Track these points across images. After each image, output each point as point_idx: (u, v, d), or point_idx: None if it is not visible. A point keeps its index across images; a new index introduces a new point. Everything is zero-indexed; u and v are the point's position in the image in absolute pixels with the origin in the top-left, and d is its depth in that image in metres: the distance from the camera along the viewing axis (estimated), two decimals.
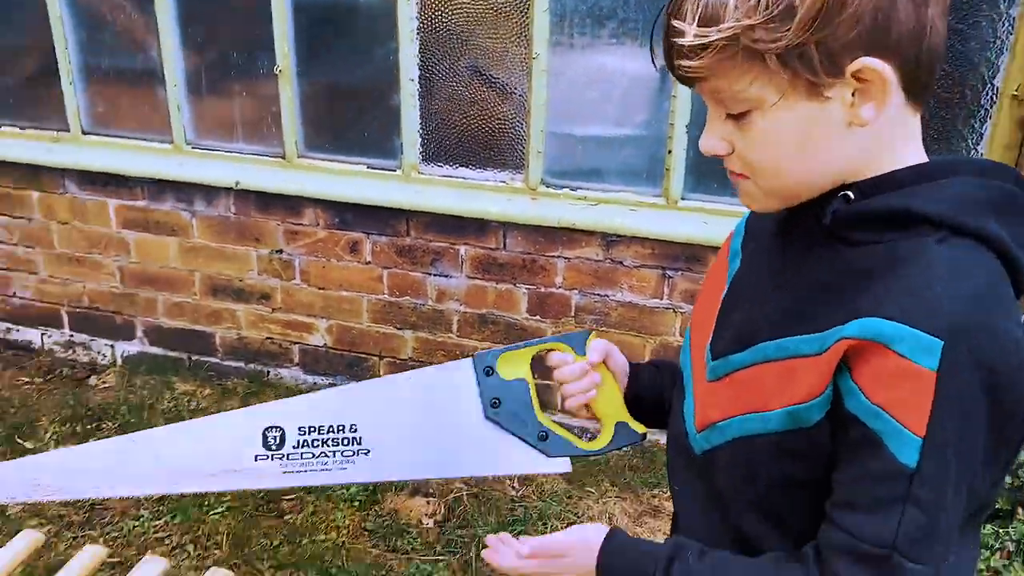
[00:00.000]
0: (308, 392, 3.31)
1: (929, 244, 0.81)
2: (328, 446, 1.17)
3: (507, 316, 3.08)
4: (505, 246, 2.98)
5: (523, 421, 1.15)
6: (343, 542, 2.68)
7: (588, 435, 1.22)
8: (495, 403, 1.15)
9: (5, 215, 3.50)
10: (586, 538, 1.02)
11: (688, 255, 2.82)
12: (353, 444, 1.17)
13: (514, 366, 1.15)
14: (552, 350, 1.15)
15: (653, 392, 1.21)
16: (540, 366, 1.17)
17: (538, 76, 2.80)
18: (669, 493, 1.36)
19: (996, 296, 0.80)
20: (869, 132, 0.84)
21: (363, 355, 3.32)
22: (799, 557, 0.88)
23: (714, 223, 2.78)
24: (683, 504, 1.09)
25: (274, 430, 1.17)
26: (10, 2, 3.28)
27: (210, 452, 1.17)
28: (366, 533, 2.72)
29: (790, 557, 0.90)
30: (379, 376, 3.32)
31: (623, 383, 1.19)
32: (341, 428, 1.17)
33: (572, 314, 3.00)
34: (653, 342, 2.98)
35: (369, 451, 1.17)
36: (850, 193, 0.86)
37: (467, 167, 3.02)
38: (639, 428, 1.18)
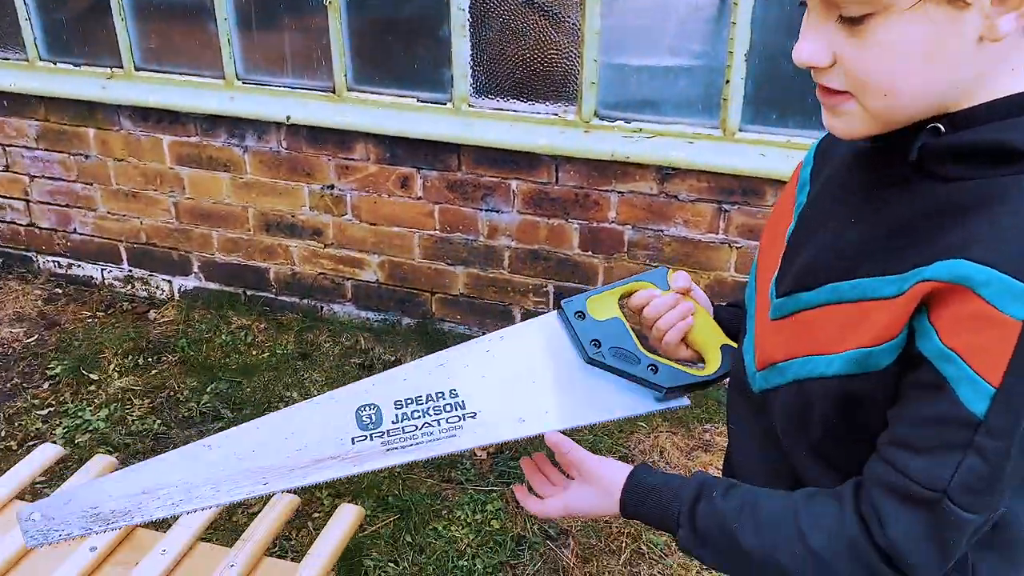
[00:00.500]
0: (361, 326, 3.37)
1: (1021, 181, 0.77)
2: (431, 415, 1.10)
3: (559, 252, 3.06)
4: (557, 180, 2.94)
5: (630, 357, 1.09)
6: (399, 472, 2.73)
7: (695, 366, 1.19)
8: (596, 344, 1.09)
9: (63, 152, 3.55)
10: (607, 474, 1.00)
11: (745, 188, 2.76)
12: (457, 409, 1.10)
13: (604, 307, 1.10)
14: (635, 290, 1.11)
15: (736, 325, 1.15)
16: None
17: (591, 3, 2.72)
18: (724, 429, 1.33)
19: None
20: (992, 52, 0.76)
21: (415, 291, 3.33)
22: (835, 492, 0.86)
23: (772, 155, 2.70)
24: (739, 442, 1.07)
25: (368, 408, 1.10)
26: None
27: (301, 445, 1.08)
28: (420, 464, 2.77)
29: (825, 492, 0.88)
30: (431, 312, 3.34)
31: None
32: (440, 395, 1.10)
33: (625, 249, 2.97)
34: (708, 278, 2.94)
35: (476, 413, 1.10)
36: (940, 125, 0.80)
37: (519, 99, 2.97)
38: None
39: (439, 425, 1.09)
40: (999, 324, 0.72)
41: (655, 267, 1.09)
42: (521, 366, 1.12)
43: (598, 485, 1.01)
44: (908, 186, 0.84)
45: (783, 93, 2.69)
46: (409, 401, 1.10)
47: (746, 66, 2.66)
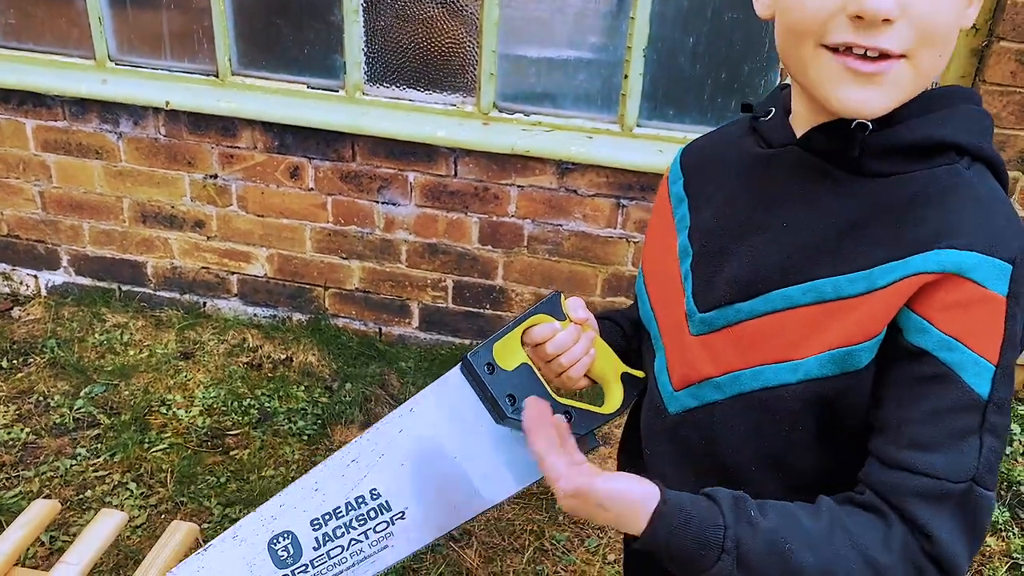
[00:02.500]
0: (248, 323, 3.22)
1: (962, 171, 0.81)
2: (356, 529, 0.95)
3: (458, 246, 3.00)
4: (456, 173, 2.88)
5: None
6: (293, 477, 2.62)
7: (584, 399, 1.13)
8: (512, 399, 0.98)
9: None
10: (631, 497, 0.78)
11: (643, 184, 2.77)
12: (383, 513, 0.96)
13: (511, 353, 1.00)
14: (533, 325, 1.01)
15: (621, 342, 1.12)
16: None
17: None
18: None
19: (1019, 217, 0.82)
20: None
21: (307, 285, 3.21)
22: (867, 506, 0.79)
23: (669, 151, 2.73)
24: (658, 466, 1.02)
25: (281, 539, 0.95)
26: None
27: None
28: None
29: (853, 506, 0.80)
30: (324, 308, 3.22)
31: None
32: (361, 501, 0.96)
33: (525, 244, 2.94)
34: (605, 272, 2.95)
35: (404, 512, 0.98)
36: (868, 123, 0.81)
37: (415, 89, 2.88)
38: (639, 373, 1.09)
39: (367, 539, 0.96)
40: (989, 301, 0.75)
41: (551, 294, 1.02)
42: (437, 441, 1.00)
43: (615, 503, 0.79)
44: (842, 185, 0.84)
45: (681, 89, 2.71)
46: (328, 517, 0.96)
47: (644, 61, 2.66)
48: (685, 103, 2.73)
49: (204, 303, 3.32)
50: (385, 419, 1.01)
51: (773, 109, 0.94)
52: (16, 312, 3.33)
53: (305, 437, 2.76)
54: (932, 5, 0.75)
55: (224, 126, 2.97)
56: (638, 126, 2.76)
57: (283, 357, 3.11)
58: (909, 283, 0.77)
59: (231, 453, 2.69)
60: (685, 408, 0.94)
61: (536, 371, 1.01)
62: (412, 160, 2.89)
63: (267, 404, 2.88)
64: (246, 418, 2.83)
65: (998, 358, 0.76)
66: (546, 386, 1.01)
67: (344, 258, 3.12)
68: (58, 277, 3.38)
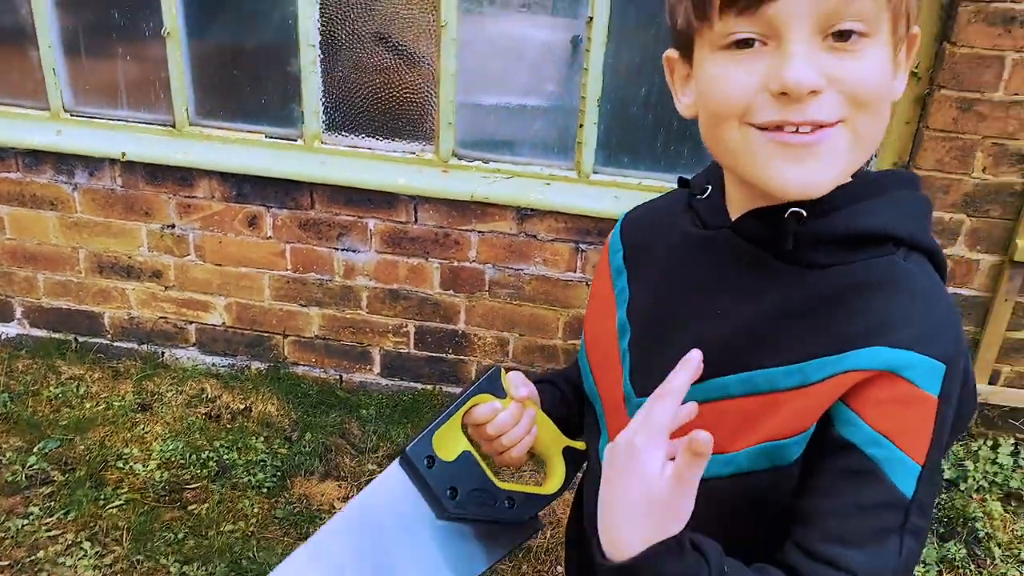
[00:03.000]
0: (207, 373, 3.18)
1: (899, 263, 0.80)
2: None
3: (419, 291, 3.00)
4: (416, 220, 2.89)
5: (487, 496, 0.99)
6: (252, 531, 2.58)
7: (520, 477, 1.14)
8: (453, 493, 0.96)
9: None
10: (668, 510, 0.74)
11: (601, 228, 2.81)
12: None
13: (450, 442, 0.97)
14: (473, 406, 0.98)
15: (562, 409, 1.09)
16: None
17: (447, 45, 2.70)
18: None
19: (957, 312, 0.81)
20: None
21: (265, 333, 3.18)
22: None
23: (625, 197, 2.76)
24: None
25: None
26: None
27: None
28: (276, 521, 2.63)
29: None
30: (283, 356, 3.20)
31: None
32: None
33: (486, 288, 2.96)
34: (566, 315, 2.96)
35: None
36: (802, 211, 0.79)
37: (374, 137, 2.90)
38: (580, 445, 1.07)
39: None
40: (921, 402, 0.74)
41: (489, 369, 0.99)
42: (380, 548, 0.96)
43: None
44: (776, 274, 0.82)
45: (634, 137, 2.76)
46: None
47: (599, 111, 2.71)
48: (639, 151, 2.78)
49: (162, 353, 3.28)
50: (320, 532, 0.97)
51: (710, 187, 0.92)
52: None
53: (264, 490, 2.72)
54: (859, 70, 0.73)
55: (181, 176, 2.96)
56: (594, 173, 2.80)
57: (242, 407, 3.08)
58: (843, 379, 0.75)
59: (189, 508, 2.65)
60: None
61: (478, 458, 0.99)
62: (372, 207, 2.90)
63: (226, 456, 2.84)
64: (204, 471, 2.78)
65: (924, 459, 0.74)
66: (488, 473, 0.99)
67: (303, 305, 3.10)
68: (11, 329, 3.32)
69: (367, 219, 2.92)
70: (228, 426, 3.00)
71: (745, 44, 0.74)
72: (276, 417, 3.05)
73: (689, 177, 0.97)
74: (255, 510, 2.66)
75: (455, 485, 0.96)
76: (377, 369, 3.16)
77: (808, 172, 0.75)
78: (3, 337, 3.33)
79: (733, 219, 0.86)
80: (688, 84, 0.84)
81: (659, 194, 1.07)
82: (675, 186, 1.01)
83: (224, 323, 3.19)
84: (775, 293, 0.82)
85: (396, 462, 0.96)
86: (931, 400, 0.74)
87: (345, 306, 3.07)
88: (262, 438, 2.94)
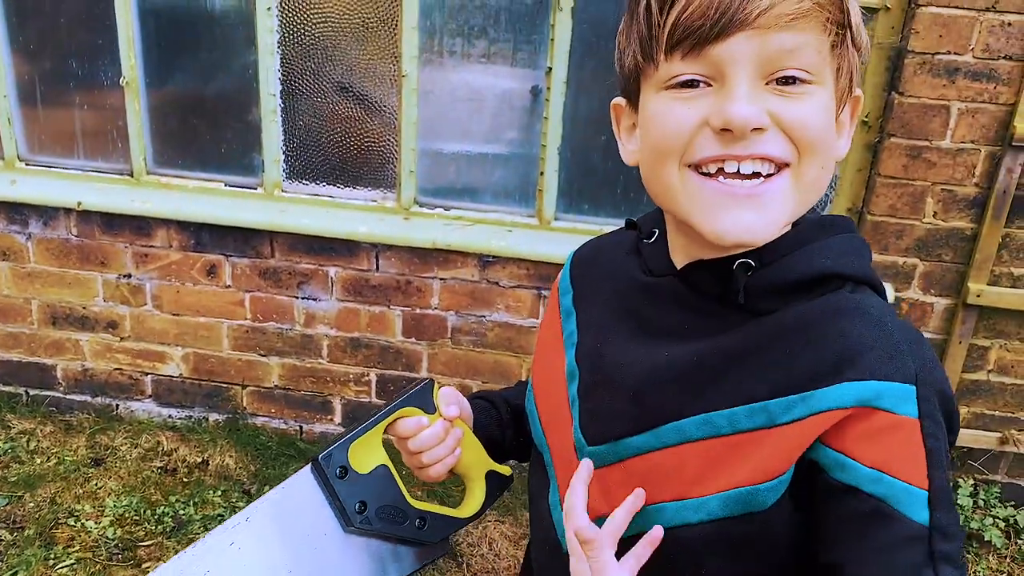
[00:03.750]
0: (163, 425, 3.11)
1: (846, 296, 0.79)
2: None
3: (381, 339, 2.98)
4: (378, 267, 2.88)
5: (398, 514, 0.96)
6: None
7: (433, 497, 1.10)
8: (362, 507, 0.93)
9: None
10: None
11: None
12: None
13: (368, 453, 0.94)
14: (399, 418, 0.96)
15: (496, 431, 1.08)
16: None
17: (408, 95, 2.72)
18: None
19: (916, 331, 0.80)
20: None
21: (224, 384, 3.13)
22: None
23: None
24: None
25: None
26: None
27: None
28: None
29: None
30: (242, 407, 3.14)
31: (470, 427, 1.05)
32: None
33: (449, 335, 2.94)
34: (529, 361, 2.96)
35: None
36: (751, 261, 0.79)
37: (335, 186, 2.90)
38: (505, 471, 1.05)
39: None
40: (902, 427, 0.72)
41: (422, 381, 0.97)
42: (274, 556, 0.92)
43: None
44: (725, 321, 0.81)
45: (595, 184, 2.79)
46: None
47: (559, 159, 2.74)
48: (599, 197, 2.81)
49: (117, 405, 3.20)
50: (216, 530, 0.93)
51: (657, 231, 0.91)
52: None
53: None
54: (802, 113, 0.74)
55: (139, 225, 2.92)
56: (556, 219, 2.82)
57: (199, 460, 3.01)
58: (816, 421, 0.74)
59: (143, 566, 2.57)
60: None
61: (394, 473, 0.97)
62: (333, 255, 2.88)
63: (182, 511, 2.77)
64: (160, 527, 2.71)
65: (927, 482, 0.72)
66: (402, 489, 0.97)
67: (263, 355, 3.06)
68: None
69: (328, 267, 2.90)
70: (185, 480, 2.93)
71: (690, 84, 0.75)
72: (234, 470, 2.98)
73: (636, 219, 0.96)
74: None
75: (365, 499, 0.94)
76: (338, 419, 3.11)
77: (749, 220, 0.75)
78: None
79: (678, 266, 0.86)
80: (633, 133, 0.85)
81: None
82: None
83: (181, 374, 3.13)
84: (726, 338, 0.81)
85: (307, 467, 0.93)
86: (911, 422, 0.72)
87: (306, 355, 3.04)
88: (220, 492, 2.87)
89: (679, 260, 0.86)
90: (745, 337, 0.80)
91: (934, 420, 0.74)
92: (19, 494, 2.80)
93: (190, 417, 3.18)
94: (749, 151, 0.73)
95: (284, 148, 2.86)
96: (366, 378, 3.04)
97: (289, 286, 2.95)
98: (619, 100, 0.87)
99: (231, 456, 3.03)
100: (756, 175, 0.74)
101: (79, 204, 2.88)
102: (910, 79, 2.49)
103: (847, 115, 0.82)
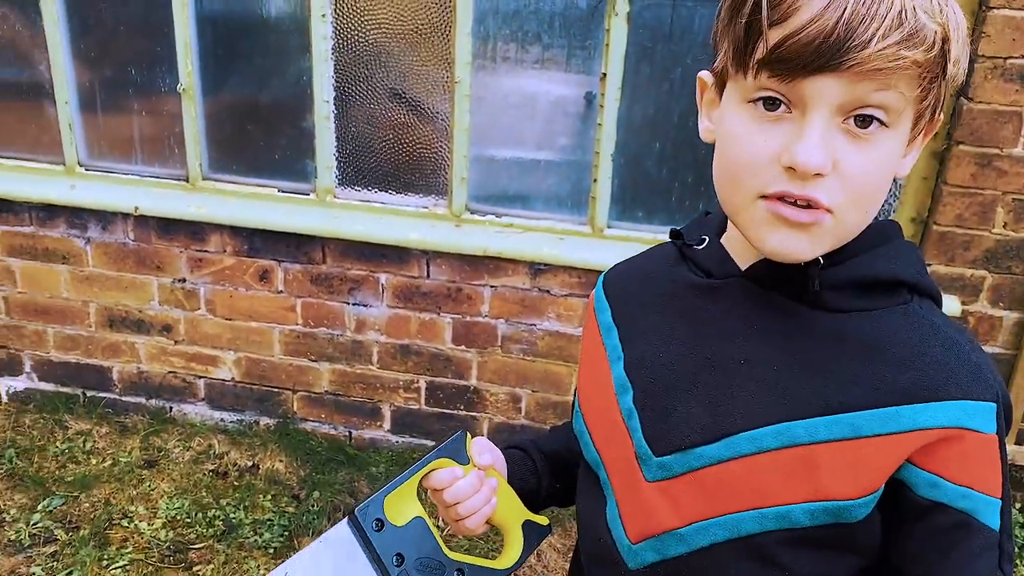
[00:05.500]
0: (215, 428, 3.14)
1: (916, 311, 0.82)
2: None
3: (431, 347, 2.96)
4: (429, 274, 2.86)
5: (436, 567, 0.96)
6: None
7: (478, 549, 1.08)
8: (399, 560, 0.93)
9: None
10: None
11: None
12: None
13: (403, 505, 0.94)
14: (433, 470, 0.95)
15: (531, 481, 1.07)
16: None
17: (460, 101, 2.70)
18: None
19: (979, 343, 0.85)
20: None
21: (275, 389, 3.14)
22: None
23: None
24: None
25: None
26: None
27: None
28: None
29: None
30: (292, 412, 3.15)
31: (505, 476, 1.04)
32: None
33: (499, 344, 2.92)
34: None
35: None
36: (819, 258, 0.79)
37: (387, 192, 2.89)
38: (543, 520, 1.04)
39: None
40: (989, 444, 0.77)
41: (455, 431, 0.97)
42: None
43: None
44: (799, 319, 0.82)
45: (649, 192, 2.74)
46: None
47: (612, 165, 2.70)
48: (653, 205, 2.76)
49: (171, 408, 3.24)
50: None
51: (707, 237, 0.91)
52: None
53: (271, 550, 2.66)
54: (864, 165, 0.74)
55: (194, 230, 2.96)
56: (608, 227, 2.78)
57: (249, 464, 3.03)
58: (910, 438, 0.76)
59: (194, 569, 2.58)
60: (646, 563, 0.87)
61: (430, 524, 0.96)
62: (384, 262, 2.88)
63: (232, 515, 2.78)
64: (210, 530, 2.72)
65: (1001, 492, 0.78)
66: (439, 541, 0.96)
67: (313, 360, 3.07)
68: (20, 383, 3.29)
69: (379, 273, 2.90)
70: (235, 484, 2.95)
71: (771, 103, 0.75)
72: (284, 475, 2.99)
73: (679, 229, 0.96)
74: (261, 571, 2.59)
75: (402, 551, 0.93)
76: (387, 425, 3.11)
77: (796, 244, 0.77)
78: (11, 391, 3.30)
79: (742, 267, 0.86)
80: (713, 110, 0.85)
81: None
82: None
83: (233, 378, 3.16)
84: (800, 338, 0.82)
85: (344, 520, 0.93)
86: (993, 439, 0.77)
87: (356, 361, 3.04)
88: (270, 496, 2.88)
89: (744, 260, 0.86)
90: (821, 342, 0.81)
91: (1004, 430, 0.79)
92: (75, 494, 2.84)
93: (241, 421, 3.20)
94: (803, 193, 0.74)
95: (337, 154, 2.87)
96: (415, 385, 3.03)
97: (340, 292, 2.95)
98: (705, 75, 0.86)
99: (281, 461, 3.05)
100: (808, 205, 0.75)
101: (136, 209, 2.92)
102: (980, 84, 2.40)
103: (921, 137, 0.81)
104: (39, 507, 2.78)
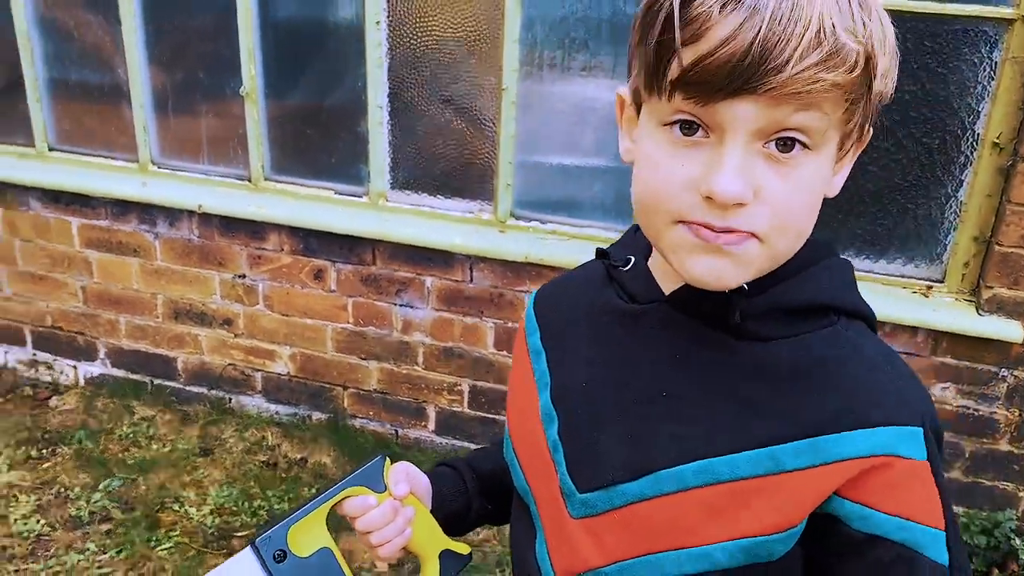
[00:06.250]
0: (269, 421, 3.25)
1: (843, 334, 0.78)
2: None
3: (474, 350, 2.99)
4: (472, 279, 2.89)
5: None
6: None
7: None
8: None
9: None
10: None
11: None
12: None
13: (309, 535, 0.91)
14: (346, 497, 0.93)
15: (459, 502, 1.05)
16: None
17: (507, 107, 2.71)
18: None
19: (908, 366, 0.80)
20: None
21: (327, 384, 3.23)
22: None
23: None
24: None
25: None
26: None
27: None
28: None
29: None
30: (343, 408, 3.23)
31: (429, 505, 1.01)
32: None
33: None
34: None
35: None
36: (744, 285, 0.75)
37: (436, 196, 2.93)
38: (463, 549, 1.01)
39: None
40: (919, 471, 0.73)
41: (373, 457, 0.94)
42: None
43: None
44: (720, 349, 0.78)
45: None
46: None
47: None
48: None
49: (229, 399, 3.37)
50: None
51: (632, 258, 0.87)
52: (53, 401, 3.44)
53: None
54: (788, 190, 0.70)
55: (254, 229, 3.07)
56: None
57: (299, 457, 3.12)
58: (832, 470, 0.72)
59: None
60: None
61: (337, 555, 0.93)
62: (430, 265, 2.92)
63: (277, 506, 2.88)
64: (255, 519, 2.82)
65: (944, 522, 0.74)
66: (346, 573, 0.94)
67: (363, 359, 3.14)
68: (95, 368, 3.49)
69: (425, 276, 2.94)
70: (284, 475, 3.04)
71: (688, 127, 0.71)
72: (331, 469, 3.07)
73: (605, 248, 0.92)
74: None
75: None
76: (432, 426, 3.15)
77: (721, 270, 0.73)
78: (88, 376, 3.50)
79: (666, 292, 0.82)
80: (633, 128, 0.81)
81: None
82: None
83: (289, 372, 3.26)
84: (722, 370, 0.78)
85: (248, 548, 0.90)
86: (923, 465, 0.73)
87: (402, 361, 3.09)
88: (315, 490, 2.96)
89: (668, 285, 0.82)
90: (742, 373, 0.77)
91: (936, 459, 0.75)
92: (133, 477, 3.00)
93: (295, 414, 3.31)
94: (724, 223, 0.70)
95: (389, 159, 2.93)
96: (459, 388, 3.06)
97: (388, 293, 3.01)
98: (624, 91, 0.82)
99: (329, 455, 3.13)
100: (729, 230, 0.71)
101: (200, 207, 3.05)
102: None
103: (852, 152, 0.77)
104: (100, 487, 2.94)
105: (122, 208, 3.18)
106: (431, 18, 2.74)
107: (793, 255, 0.77)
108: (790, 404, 0.75)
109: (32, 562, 2.63)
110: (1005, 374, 2.54)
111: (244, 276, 3.16)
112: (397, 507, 0.93)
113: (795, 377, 0.75)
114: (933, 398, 0.80)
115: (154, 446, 3.17)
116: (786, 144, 0.69)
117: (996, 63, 2.34)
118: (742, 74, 0.65)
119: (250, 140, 3.03)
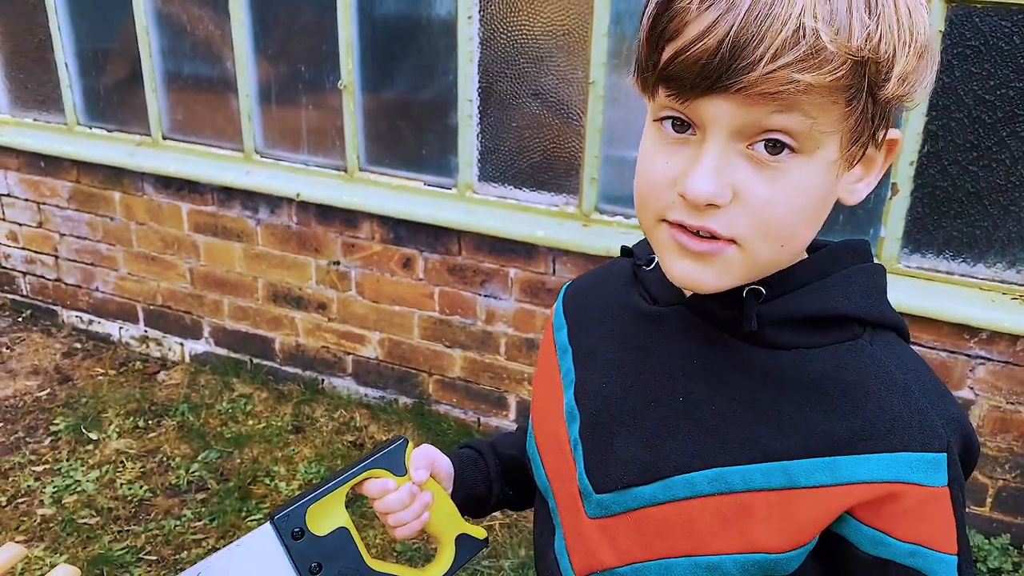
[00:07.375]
0: (358, 403, 3.36)
1: (866, 349, 0.75)
2: None
3: None
4: (554, 271, 2.92)
5: None
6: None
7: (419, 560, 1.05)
8: (316, 568, 0.93)
9: (91, 212, 3.68)
10: None
11: None
12: None
13: (327, 515, 0.93)
14: (367, 479, 0.94)
15: (480, 488, 1.06)
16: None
17: (595, 101, 2.72)
18: None
19: (939, 382, 0.76)
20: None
21: (413, 370, 3.32)
22: None
23: None
24: None
25: None
26: (104, 11, 3.44)
27: None
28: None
29: None
30: (428, 393, 3.32)
31: (450, 488, 1.02)
32: None
33: None
34: None
35: None
36: (761, 288, 0.74)
37: (522, 189, 2.97)
38: (480, 533, 1.02)
39: None
40: (938, 498, 0.71)
41: (396, 440, 0.96)
42: None
43: None
44: (738, 355, 0.76)
45: None
46: None
47: None
48: None
49: (322, 380, 3.51)
50: None
51: (656, 257, 0.84)
52: (161, 376, 3.66)
53: None
54: (770, 194, 0.67)
55: (347, 218, 3.18)
56: None
57: (384, 439, 3.22)
58: (847, 491, 0.71)
59: None
60: None
61: (354, 535, 0.96)
62: (513, 257, 2.96)
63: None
64: None
65: (957, 547, 0.72)
66: (363, 552, 0.96)
67: (448, 346, 3.21)
68: (200, 346, 3.69)
69: (509, 268, 2.98)
70: None
71: (679, 124, 0.70)
72: None
73: (631, 245, 0.91)
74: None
75: (321, 561, 0.93)
76: (512, 415, 3.20)
77: (699, 274, 0.72)
78: (193, 353, 3.71)
79: (687, 295, 0.81)
80: None
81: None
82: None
83: (378, 356, 3.37)
84: (739, 378, 0.76)
85: (267, 524, 0.93)
86: (944, 492, 0.71)
87: (485, 350, 3.15)
88: None
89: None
90: (760, 382, 0.75)
91: (960, 482, 0.72)
92: (229, 450, 3.16)
93: (383, 398, 3.41)
94: (699, 223, 0.69)
95: (478, 151, 2.98)
96: None
97: (473, 283, 3.07)
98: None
99: (413, 439, 3.21)
100: (714, 237, 0.70)
101: (298, 195, 3.18)
102: None
103: (881, 158, 0.74)
104: (199, 458, 3.12)
105: (227, 195, 3.35)
106: (521, 13, 2.77)
107: (811, 260, 0.76)
108: (807, 419, 0.73)
109: (134, 524, 2.82)
110: None
111: (338, 263, 3.28)
112: (415, 491, 0.95)
113: (814, 391, 0.73)
114: None
115: (250, 422, 3.33)
116: (775, 146, 0.67)
117: None
118: (712, 71, 0.64)
119: (346, 132, 3.14)
